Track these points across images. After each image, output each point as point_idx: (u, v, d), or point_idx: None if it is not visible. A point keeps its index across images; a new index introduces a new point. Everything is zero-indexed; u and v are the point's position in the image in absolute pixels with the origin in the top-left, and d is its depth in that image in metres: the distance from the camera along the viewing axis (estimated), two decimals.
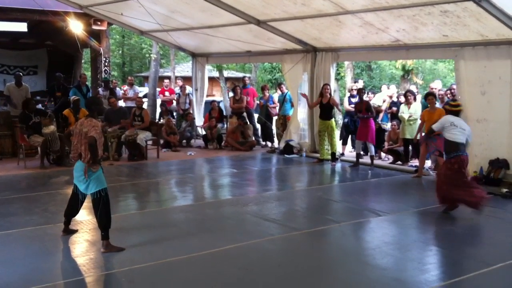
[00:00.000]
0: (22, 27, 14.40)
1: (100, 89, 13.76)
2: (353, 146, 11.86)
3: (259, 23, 10.65)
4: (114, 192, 8.10)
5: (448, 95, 10.18)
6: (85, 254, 5.14)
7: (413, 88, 12.82)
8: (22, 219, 6.37)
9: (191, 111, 14.66)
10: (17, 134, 10.36)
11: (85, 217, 6.37)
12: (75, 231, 5.79)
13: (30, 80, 16.60)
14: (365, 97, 10.90)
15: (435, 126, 6.99)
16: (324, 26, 10.11)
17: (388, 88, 12.63)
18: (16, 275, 4.57)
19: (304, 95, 11.39)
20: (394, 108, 11.23)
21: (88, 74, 15.82)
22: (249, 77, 17.72)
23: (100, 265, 4.84)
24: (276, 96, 14.02)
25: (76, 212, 5.69)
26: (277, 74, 31.21)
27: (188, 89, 15.17)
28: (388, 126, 11.37)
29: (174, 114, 15.05)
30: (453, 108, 7.05)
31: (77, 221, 6.05)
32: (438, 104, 9.47)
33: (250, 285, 4.49)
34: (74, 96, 11.38)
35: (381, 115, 11.75)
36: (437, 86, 11.19)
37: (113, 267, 4.78)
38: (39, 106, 12.56)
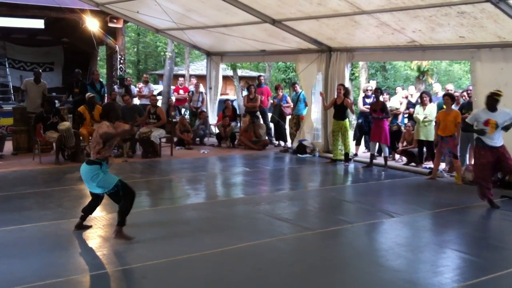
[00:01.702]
0: (39, 24, 14.54)
1: (115, 87, 13.85)
2: (366, 147, 11.82)
3: (274, 22, 10.64)
4: None
5: (464, 97, 10.10)
6: (99, 249, 5.18)
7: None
8: (36, 214, 6.44)
9: (204, 109, 14.70)
10: (37, 130, 10.40)
11: (99, 214, 6.42)
12: (89, 227, 5.84)
13: (46, 76, 16.70)
14: (381, 98, 10.85)
15: (469, 119, 7.39)
16: (339, 26, 10.08)
17: (403, 89, 12.55)
18: (30, 269, 4.61)
19: (321, 94, 11.35)
20: (412, 109, 11.17)
21: (104, 71, 15.93)
22: (263, 77, 17.66)
23: (113, 261, 4.88)
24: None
25: (94, 211, 5.83)
26: (291, 73, 31.15)
27: (202, 88, 15.20)
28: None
29: (183, 111, 15.07)
30: (498, 97, 7.23)
31: (91, 217, 6.07)
32: (453, 106, 9.38)
33: (261, 284, 4.49)
34: (89, 93, 11.47)
35: (399, 117, 11.69)
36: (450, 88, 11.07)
37: (126, 263, 4.82)
38: (56, 102, 12.65)
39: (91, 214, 5.85)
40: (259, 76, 16.34)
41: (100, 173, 5.36)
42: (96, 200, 5.74)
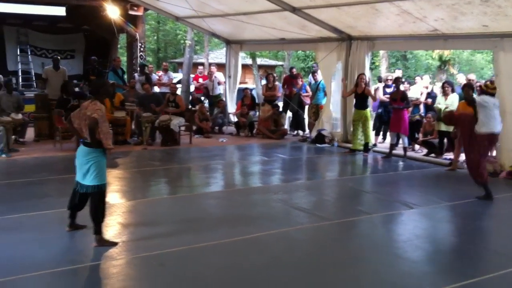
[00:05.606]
0: (60, 11, 14.65)
1: (135, 74, 13.91)
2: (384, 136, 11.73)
3: (294, 10, 10.55)
4: (146, 176, 8.26)
5: None
6: (118, 237, 5.21)
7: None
8: (57, 201, 6.49)
9: (223, 98, 14.69)
10: (54, 116, 10.57)
11: (118, 200, 6.49)
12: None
13: (67, 64, 16.85)
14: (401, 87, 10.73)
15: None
16: (360, 14, 9.96)
17: (422, 78, 12.41)
18: (51, 255, 4.68)
19: (344, 81, 11.27)
20: (429, 100, 11.02)
21: (124, 59, 15.94)
22: (293, 67, 17.33)
23: (132, 248, 4.92)
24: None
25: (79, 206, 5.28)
26: (310, 62, 30.99)
27: (220, 77, 15.15)
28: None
29: (202, 99, 15.10)
30: (491, 91, 7.24)
31: (110, 204, 6.12)
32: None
33: (278, 273, 4.49)
34: (110, 81, 11.55)
35: (421, 107, 11.55)
36: (472, 77, 10.89)
37: (144, 250, 4.85)
38: (77, 89, 12.77)
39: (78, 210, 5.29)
40: (292, 68, 16.06)
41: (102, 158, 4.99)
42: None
